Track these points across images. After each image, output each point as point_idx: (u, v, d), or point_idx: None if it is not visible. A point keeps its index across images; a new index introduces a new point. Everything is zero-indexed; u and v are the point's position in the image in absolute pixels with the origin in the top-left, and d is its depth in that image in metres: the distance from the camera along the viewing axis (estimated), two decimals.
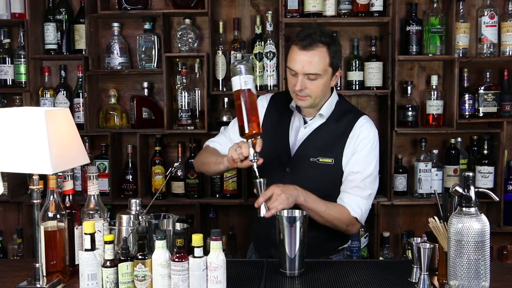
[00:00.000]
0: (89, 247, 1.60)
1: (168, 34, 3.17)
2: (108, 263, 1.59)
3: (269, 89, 3.03)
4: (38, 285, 1.65)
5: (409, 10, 3.09)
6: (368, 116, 2.13)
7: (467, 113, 3.06)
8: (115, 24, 3.13)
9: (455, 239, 1.51)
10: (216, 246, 1.55)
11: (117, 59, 3.11)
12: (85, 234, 1.60)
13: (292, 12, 3.01)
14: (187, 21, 3.08)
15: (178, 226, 1.80)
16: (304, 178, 2.03)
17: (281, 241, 1.77)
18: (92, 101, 3.15)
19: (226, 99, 3.10)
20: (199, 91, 3.07)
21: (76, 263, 1.76)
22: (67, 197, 1.83)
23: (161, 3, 3.22)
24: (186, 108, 3.03)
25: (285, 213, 1.82)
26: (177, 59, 3.16)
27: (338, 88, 3.06)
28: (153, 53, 3.11)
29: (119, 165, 3.20)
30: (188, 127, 3.05)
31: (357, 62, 3.07)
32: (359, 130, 2.06)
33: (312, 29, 1.98)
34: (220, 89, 3.09)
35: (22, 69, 3.12)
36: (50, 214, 1.74)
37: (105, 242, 1.59)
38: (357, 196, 2.04)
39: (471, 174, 1.60)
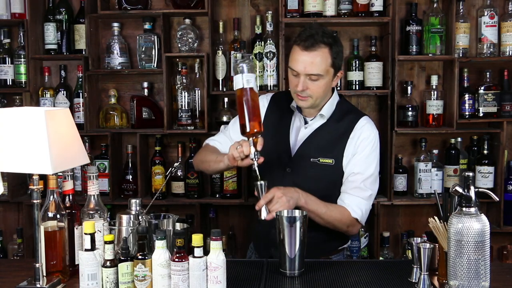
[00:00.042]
0: (89, 247, 1.60)
1: (168, 34, 3.17)
2: (108, 263, 1.59)
3: (269, 89, 3.03)
4: (38, 285, 1.64)
5: (409, 10, 3.09)
6: (368, 117, 2.13)
7: (467, 113, 3.06)
8: (115, 24, 3.13)
9: (455, 239, 1.50)
10: (216, 246, 1.55)
11: (117, 59, 3.10)
12: (85, 234, 1.60)
13: (292, 12, 3.01)
14: (187, 21, 3.08)
15: (178, 226, 1.80)
16: (304, 178, 2.03)
17: (281, 241, 1.77)
18: (92, 101, 3.15)
19: (226, 99, 3.10)
20: (199, 91, 3.07)
21: (76, 263, 1.75)
22: (67, 197, 1.83)
23: (161, 3, 3.22)
24: (186, 108, 3.03)
25: (285, 213, 1.82)
26: (177, 59, 3.15)
27: (338, 88, 3.06)
28: (153, 53, 3.11)
29: (119, 165, 3.20)
30: (188, 127, 3.05)
31: (357, 62, 3.07)
32: (359, 131, 2.06)
33: (314, 30, 1.97)
34: (220, 89, 3.09)
35: (22, 69, 3.12)
36: (50, 214, 1.74)
37: (105, 242, 1.59)
38: (357, 197, 2.04)
39: (471, 174, 1.60)
